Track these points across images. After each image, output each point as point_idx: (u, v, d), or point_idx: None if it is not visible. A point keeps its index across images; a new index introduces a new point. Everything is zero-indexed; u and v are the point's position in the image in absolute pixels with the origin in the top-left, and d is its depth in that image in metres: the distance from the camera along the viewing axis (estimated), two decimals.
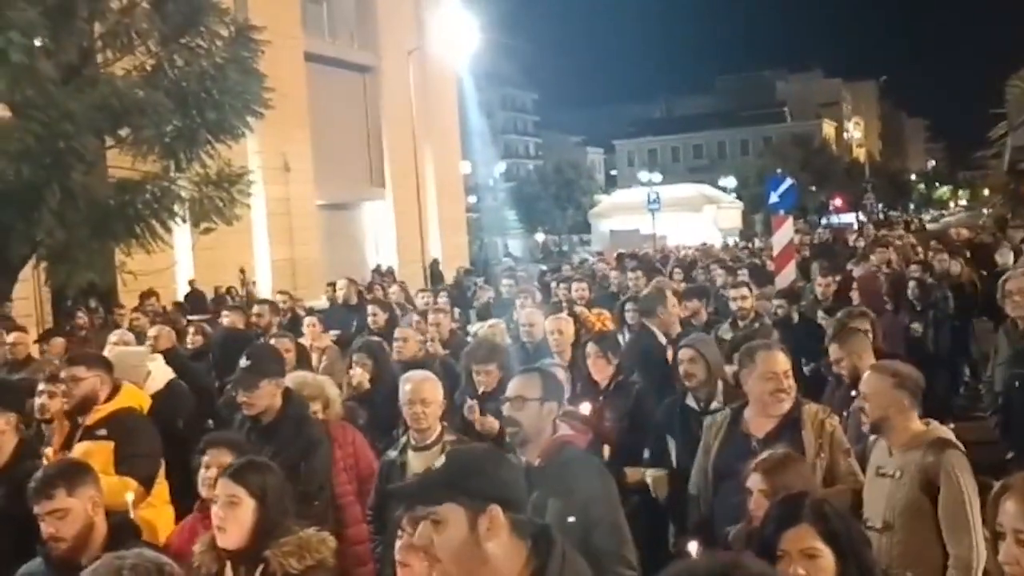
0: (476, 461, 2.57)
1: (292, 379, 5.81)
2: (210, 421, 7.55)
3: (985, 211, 59.91)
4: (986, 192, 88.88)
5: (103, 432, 5.41)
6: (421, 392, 5.22)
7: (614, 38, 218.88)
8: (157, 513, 5.46)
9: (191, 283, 22.17)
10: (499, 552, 2.46)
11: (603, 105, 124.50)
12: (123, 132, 14.33)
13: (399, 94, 32.59)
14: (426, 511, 2.52)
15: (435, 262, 30.87)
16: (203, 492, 4.39)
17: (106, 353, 6.77)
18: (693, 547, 3.60)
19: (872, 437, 4.76)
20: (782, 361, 4.97)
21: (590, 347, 6.92)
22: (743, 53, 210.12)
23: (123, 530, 3.89)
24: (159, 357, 7.38)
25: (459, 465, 2.55)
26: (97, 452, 5.30)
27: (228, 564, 3.70)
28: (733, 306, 8.89)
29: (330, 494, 5.44)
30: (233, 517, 3.68)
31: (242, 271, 24.34)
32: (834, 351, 6.13)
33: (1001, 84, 23.21)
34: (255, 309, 10.98)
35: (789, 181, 14.32)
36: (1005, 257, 14.53)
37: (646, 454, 5.99)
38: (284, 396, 5.46)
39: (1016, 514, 2.75)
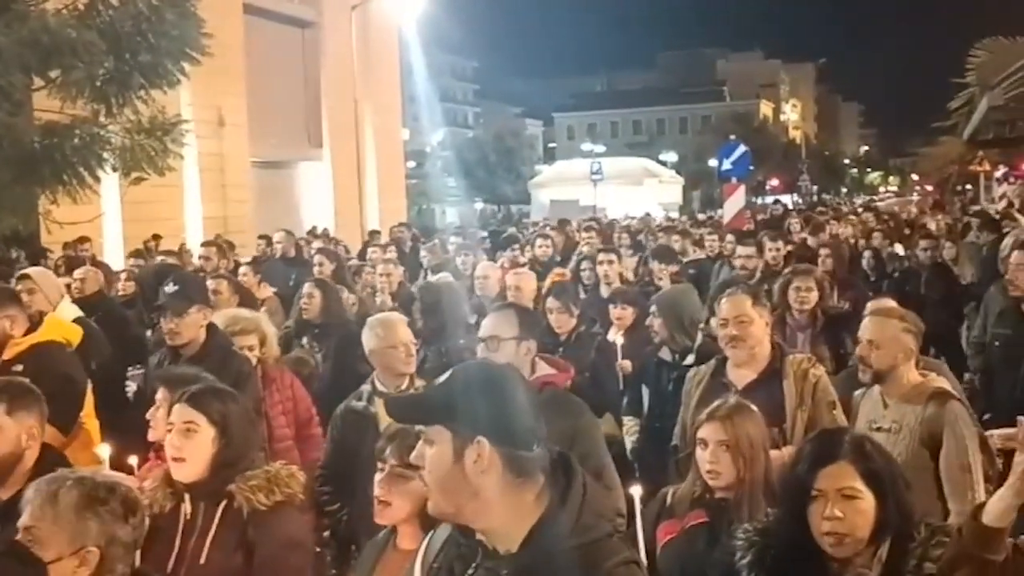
0: (480, 383, 2.20)
1: (224, 315, 5.47)
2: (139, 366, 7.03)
3: (914, 197, 61.22)
4: (915, 178, 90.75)
5: (19, 368, 4.93)
6: (405, 333, 4.89)
7: (556, 5, 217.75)
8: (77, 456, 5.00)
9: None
10: (492, 488, 2.13)
11: (544, 76, 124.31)
12: (53, 73, 13.64)
13: (340, 52, 31.77)
14: (417, 431, 2.23)
15: (374, 233, 30.04)
16: (153, 435, 3.97)
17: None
18: (636, 490, 3.31)
19: (859, 391, 4.51)
20: (737, 306, 4.66)
21: (551, 301, 6.68)
22: (685, 30, 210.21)
23: (53, 462, 3.46)
24: (66, 296, 6.80)
25: (459, 385, 2.20)
26: None
27: (186, 499, 3.31)
28: (737, 263, 8.90)
29: (264, 431, 5.08)
30: (192, 446, 3.29)
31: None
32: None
33: (938, 73, 23.41)
34: (201, 251, 10.42)
35: (742, 148, 14.09)
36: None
37: (624, 402, 5.75)
38: (208, 329, 5.28)
39: None
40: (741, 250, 9.09)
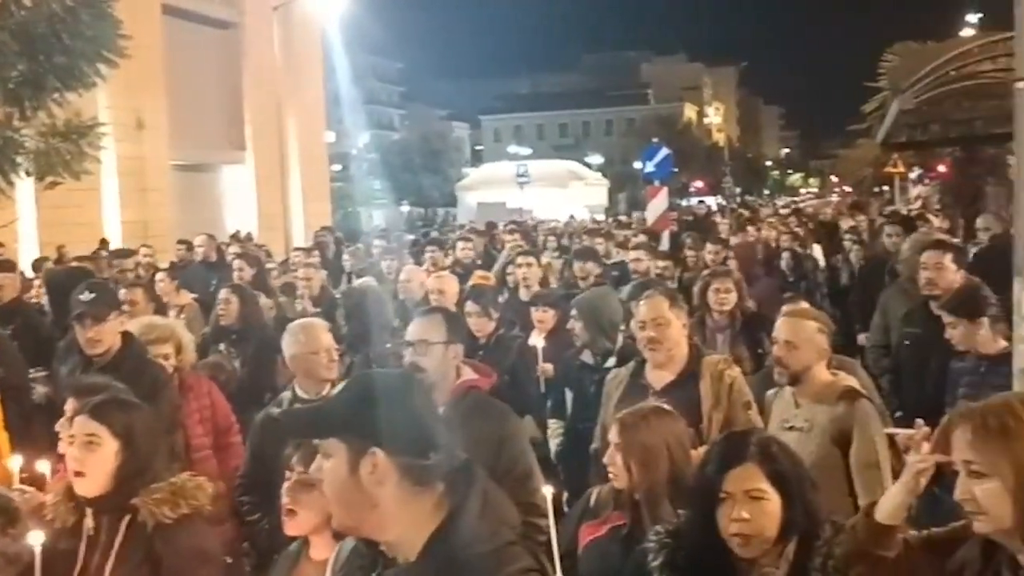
0: (376, 392, 2.17)
1: (139, 323, 5.38)
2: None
3: (833, 198, 62.47)
4: (834, 179, 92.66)
5: None
6: (327, 339, 4.86)
7: (481, 7, 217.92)
8: None
9: None
10: (389, 498, 2.10)
11: (469, 78, 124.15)
12: None
13: (262, 54, 31.40)
14: (315, 444, 2.20)
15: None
16: (62, 446, 3.86)
17: None
18: (548, 490, 3.34)
19: (771, 391, 4.59)
20: (654, 308, 4.72)
21: (469, 305, 6.68)
22: (608, 32, 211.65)
23: None
24: None
25: (354, 395, 2.19)
26: None
27: (89, 514, 3.21)
28: (631, 266, 9.04)
29: (182, 440, 5.00)
30: (93, 460, 3.20)
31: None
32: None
33: (856, 76, 23.96)
34: (117, 264, 10.22)
35: (665, 151, 14.24)
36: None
37: (548, 404, 5.78)
38: (123, 338, 5.20)
39: (965, 445, 2.52)
40: (632, 253, 9.40)
